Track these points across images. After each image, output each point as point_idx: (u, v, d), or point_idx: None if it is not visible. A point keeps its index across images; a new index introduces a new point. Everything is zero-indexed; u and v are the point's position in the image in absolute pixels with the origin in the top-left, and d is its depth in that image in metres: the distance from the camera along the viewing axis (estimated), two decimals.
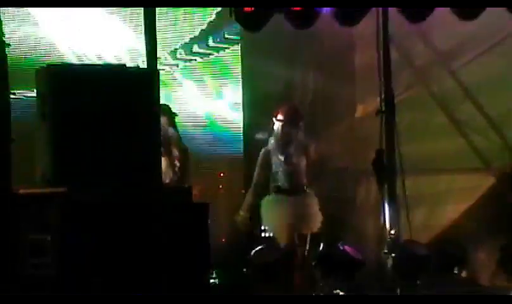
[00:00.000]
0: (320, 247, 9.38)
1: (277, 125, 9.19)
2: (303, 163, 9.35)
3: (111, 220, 7.10)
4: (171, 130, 9.33)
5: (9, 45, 7.00)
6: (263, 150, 9.33)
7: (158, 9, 8.94)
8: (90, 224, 7.02)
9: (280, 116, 9.22)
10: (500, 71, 10.68)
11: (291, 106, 9.58)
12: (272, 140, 9.26)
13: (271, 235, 9.36)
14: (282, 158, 9.17)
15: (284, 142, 9.15)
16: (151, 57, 8.86)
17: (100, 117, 7.36)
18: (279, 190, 9.15)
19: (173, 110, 9.54)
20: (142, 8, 8.78)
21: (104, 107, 7.39)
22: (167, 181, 9.03)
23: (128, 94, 7.52)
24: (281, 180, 9.17)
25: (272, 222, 9.19)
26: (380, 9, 7.59)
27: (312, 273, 9.22)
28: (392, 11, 7.75)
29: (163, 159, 8.76)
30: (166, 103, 9.44)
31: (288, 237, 8.99)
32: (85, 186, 7.12)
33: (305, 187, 9.24)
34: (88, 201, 7.08)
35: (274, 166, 9.21)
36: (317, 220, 9.22)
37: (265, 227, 9.46)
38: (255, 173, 9.32)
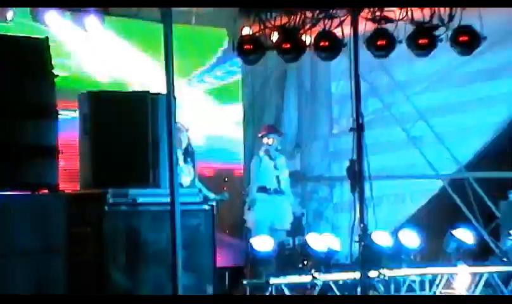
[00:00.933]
0: (304, 237, 9.35)
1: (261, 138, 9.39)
2: (285, 170, 9.39)
3: (138, 215, 7.08)
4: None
5: (57, 76, 6.93)
6: (255, 157, 9.32)
7: (175, 47, 8.86)
8: (124, 218, 7.00)
9: (263, 132, 9.47)
10: (446, 97, 10.69)
11: (269, 125, 9.84)
12: (261, 150, 9.29)
13: (249, 227, 9.29)
14: (271, 163, 9.15)
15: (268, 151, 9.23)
16: (169, 86, 8.79)
17: (128, 133, 7.35)
18: (262, 190, 9.12)
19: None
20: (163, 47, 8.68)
21: (132, 125, 7.38)
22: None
23: (151, 114, 7.51)
24: (265, 182, 9.12)
25: (253, 217, 9.14)
26: (352, 47, 7.57)
27: (297, 258, 9.19)
28: (362, 50, 7.74)
29: (185, 166, 8.76)
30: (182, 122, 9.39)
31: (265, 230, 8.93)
32: (117, 188, 7.10)
33: (283, 190, 9.24)
34: (120, 200, 7.06)
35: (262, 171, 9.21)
36: (289, 219, 9.23)
37: (246, 219, 9.35)
38: (253, 175, 9.29)
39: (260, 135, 9.68)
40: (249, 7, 7.97)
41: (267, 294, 8.17)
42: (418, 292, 8.93)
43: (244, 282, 8.28)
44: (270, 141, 9.48)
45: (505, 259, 9.29)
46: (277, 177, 9.37)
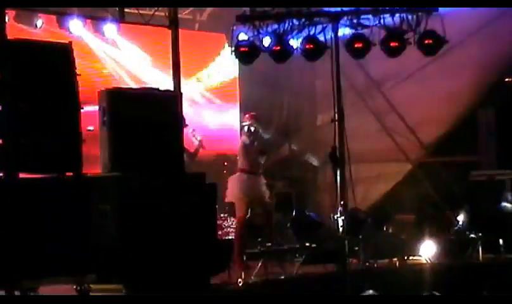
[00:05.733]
0: (293, 214, 9.37)
1: (245, 125, 8.66)
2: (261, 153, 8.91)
3: (150, 195, 7.12)
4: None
5: (79, 75, 6.96)
6: (241, 143, 8.68)
7: (180, 50, 8.88)
8: (137, 197, 7.04)
9: (246, 120, 8.73)
10: (415, 92, 10.71)
11: (252, 113, 8.92)
12: (244, 137, 8.66)
13: (231, 201, 8.66)
14: (251, 148, 8.71)
15: (252, 136, 8.62)
16: (176, 84, 8.85)
17: (142, 124, 7.38)
18: (242, 171, 8.73)
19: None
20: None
21: (143, 117, 7.41)
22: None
23: (161, 107, 7.53)
24: (246, 164, 8.72)
25: (234, 194, 8.78)
26: (333, 49, 7.62)
27: (286, 232, 9.19)
28: (342, 50, 7.78)
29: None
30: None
31: (246, 205, 8.46)
32: (132, 171, 7.14)
33: (260, 170, 8.88)
34: (134, 182, 7.10)
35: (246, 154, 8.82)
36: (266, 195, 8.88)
37: (228, 196, 8.68)
38: (245, 159, 8.84)
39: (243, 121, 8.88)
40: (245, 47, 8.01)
41: (261, 262, 8.20)
42: (390, 258, 8.96)
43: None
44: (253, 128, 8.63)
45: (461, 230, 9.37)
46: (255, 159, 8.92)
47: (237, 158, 8.64)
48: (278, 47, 8.14)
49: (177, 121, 7.62)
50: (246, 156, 8.47)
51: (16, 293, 6.21)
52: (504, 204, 9.23)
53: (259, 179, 8.51)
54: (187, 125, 8.53)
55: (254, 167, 8.48)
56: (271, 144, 10.20)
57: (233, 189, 8.46)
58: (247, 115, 8.73)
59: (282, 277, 8.12)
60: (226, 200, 8.57)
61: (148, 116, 7.40)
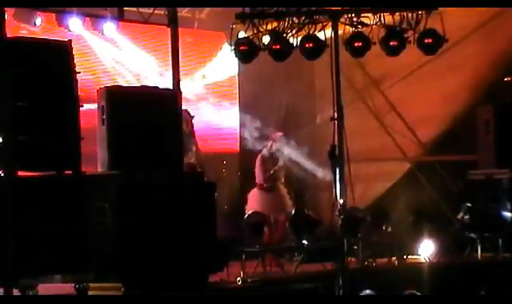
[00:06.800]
0: (292, 212, 9.34)
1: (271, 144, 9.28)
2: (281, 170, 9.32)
3: (148, 193, 7.10)
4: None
5: (78, 73, 6.94)
6: (259, 156, 9.22)
7: (180, 48, 8.84)
8: (136, 195, 7.02)
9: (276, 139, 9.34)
10: (413, 91, 10.68)
11: (281, 135, 9.60)
12: (265, 150, 9.21)
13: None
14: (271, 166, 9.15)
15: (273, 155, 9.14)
16: (176, 82, 8.79)
17: (141, 122, 7.35)
18: (259, 187, 9.10)
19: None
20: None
21: (142, 115, 7.38)
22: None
23: (160, 106, 7.51)
24: (262, 178, 9.10)
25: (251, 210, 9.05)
26: (333, 48, 7.56)
27: (286, 230, 9.18)
28: (341, 50, 7.73)
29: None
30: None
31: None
32: (131, 170, 7.11)
33: (278, 182, 9.19)
34: (133, 181, 7.07)
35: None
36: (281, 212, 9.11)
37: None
38: (261, 172, 9.09)
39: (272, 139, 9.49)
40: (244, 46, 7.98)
41: (260, 259, 8.19)
42: (388, 257, 8.95)
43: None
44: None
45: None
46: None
47: (255, 171, 9.04)
48: (278, 46, 8.09)
49: (176, 120, 7.60)
50: (262, 169, 8.94)
51: (15, 291, 6.19)
52: (505, 213, 9.18)
53: (275, 195, 8.79)
54: (193, 116, 8.62)
55: (270, 181, 9.00)
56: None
57: (251, 205, 8.92)
58: (275, 135, 9.32)
59: (281, 276, 8.09)
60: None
61: (147, 114, 7.38)
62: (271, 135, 9.52)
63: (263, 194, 9.06)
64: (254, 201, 9.01)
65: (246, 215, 8.77)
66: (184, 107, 8.09)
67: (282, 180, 9.33)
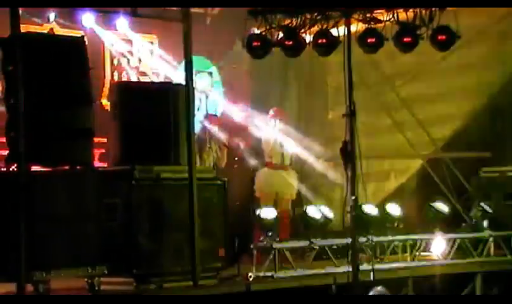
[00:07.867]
0: (304, 208, 9.29)
1: (273, 121, 9.27)
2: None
3: (160, 189, 7.08)
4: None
5: (92, 68, 6.93)
6: (264, 136, 9.24)
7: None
8: (147, 191, 7.00)
9: (274, 116, 9.34)
10: (426, 89, 10.60)
11: (279, 109, 9.61)
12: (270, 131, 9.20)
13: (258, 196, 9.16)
14: (279, 143, 9.16)
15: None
16: (188, 77, 8.75)
17: (153, 117, 7.34)
18: (266, 165, 9.16)
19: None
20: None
21: (156, 110, 7.37)
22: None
23: (173, 101, 7.49)
24: (268, 157, 9.12)
25: (262, 189, 9.12)
26: (345, 44, 7.51)
27: (297, 226, 9.14)
28: (354, 45, 7.67)
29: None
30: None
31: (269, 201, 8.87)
32: (142, 165, 7.10)
33: (287, 163, 9.20)
34: (146, 176, 7.06)
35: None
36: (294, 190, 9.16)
37: (256, 191, 9.21)
38: (268, 152, 9.10)
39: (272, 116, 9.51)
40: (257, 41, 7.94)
41: (271, 256, 8.15)
42: (400, 254, 8.92)
43: (252, 245, 8.26)
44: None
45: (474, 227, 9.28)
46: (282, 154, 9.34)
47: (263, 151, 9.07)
48: (290, 42, 8.04)
49: (189, 115, 7.57)
50: (268, 149, 8.93)
51: (28, 286, 6.20)
52: None
53: (282, 174, 8.76)
54: (216, 115, 8.63)
55: (277, 160, 8.96)
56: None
57: (258, 184, 8.97)
58: (273, 111, 9.23)
59: (292, 273, 8.05)
60: (255, 194, 9.01)
61: (160, 109, 7.36)
62: (275, 112, 9.43)
63: (271, 171, 9.07)
64: (262, 179, 9.03)
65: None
66: (196, 101, 8.04)
67: (289, 161, 9.28)
